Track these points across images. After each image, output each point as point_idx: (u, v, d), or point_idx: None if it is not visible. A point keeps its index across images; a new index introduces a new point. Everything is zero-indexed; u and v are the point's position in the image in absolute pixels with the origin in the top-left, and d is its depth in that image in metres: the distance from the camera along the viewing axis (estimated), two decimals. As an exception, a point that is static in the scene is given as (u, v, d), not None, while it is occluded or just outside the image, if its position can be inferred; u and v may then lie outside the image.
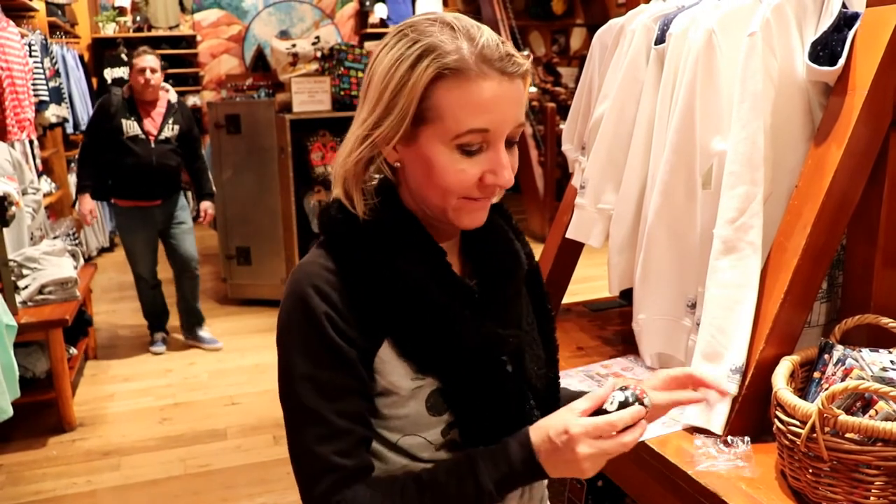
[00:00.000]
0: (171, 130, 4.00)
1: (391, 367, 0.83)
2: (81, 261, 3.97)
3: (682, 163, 1.42)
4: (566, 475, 0.82)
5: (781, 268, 1.25)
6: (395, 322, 0.83)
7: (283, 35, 7.86)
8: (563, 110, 5.90)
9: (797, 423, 1.04)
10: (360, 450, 0.82)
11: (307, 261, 0.86)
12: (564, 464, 0.80)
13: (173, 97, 4.09)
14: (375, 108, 0.81)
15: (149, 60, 3.86)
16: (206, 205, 4.18)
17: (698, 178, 1.42)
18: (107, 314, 4.97)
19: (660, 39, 1.54)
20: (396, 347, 0.83)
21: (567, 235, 1.74)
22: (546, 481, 1.00)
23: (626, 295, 1.73)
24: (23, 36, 4.62)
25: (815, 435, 0.99)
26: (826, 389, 1.01)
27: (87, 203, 4.07)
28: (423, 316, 0.83)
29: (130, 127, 3.87)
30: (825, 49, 1.27)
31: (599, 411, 0.80)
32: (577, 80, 6.75)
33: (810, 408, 1.01)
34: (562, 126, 5.75)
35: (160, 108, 4.00)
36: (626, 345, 1.74)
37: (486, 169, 0.81)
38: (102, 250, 6.66)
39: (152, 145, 3.92)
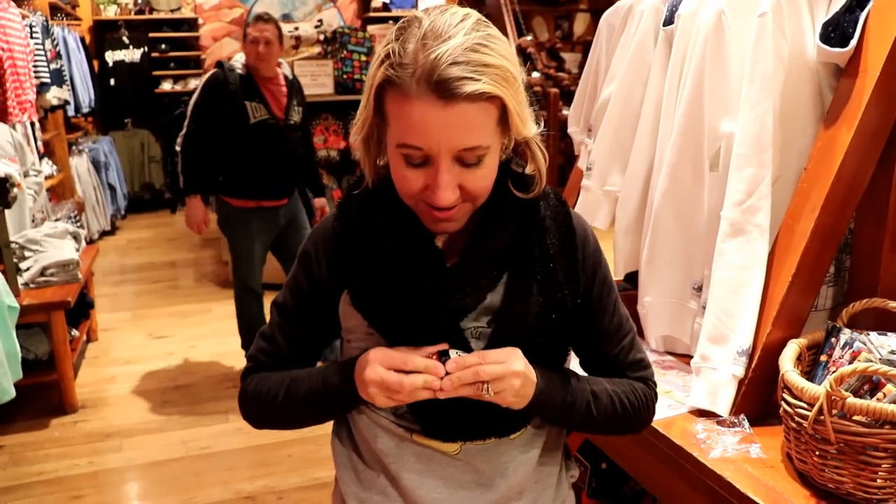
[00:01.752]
0: (297, 114, 3.26)
1: (348, 313, 0.95)
2: (83, 243, 3.96)
3: (690, 145, 1.41)
4: (363, 397, 0.90)
5: (789, 251, 1.24)
6: (355, 273, 0.93)
7: (286, 18, 7.81)
8: (566, 95, 5.85)
9: (804, 405, 1.04)
10: (279, 358, 1.01)
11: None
12: (360, 384, 0.88)
13: (288, 71, 3.31)
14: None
15: (266, 29, 3.06)
16: (322, 202, 3.55)
17: (706, 160, 1.41)
18: (108, 297, 4.97)
19: (668, 20, 1.53)
20: (351, 297, 0.94)
21: None
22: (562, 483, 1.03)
23: (632, 278, 1.72)
24: (24, 17, 4.58)
25: (822, 417, 0.99)
26: (833, 372, 1.01)
27: (199, 210, 3.28)
28: (378, 270, 0.91)
29: (256, 110, 3.10)
30: (836, 30, 1.26)
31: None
32: (580, 66, 6.67)
33: (818, 390, 1.00)
34: (565, 112, 5.72)
35: (282, 87, 3.23)
36: (632, 329, 1.72)
37: (426, 183, 0.83)
38: (104, 233, 6.66)
39: (284, 132, 3.19)
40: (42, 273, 3.35)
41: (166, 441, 3.06)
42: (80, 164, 6.06)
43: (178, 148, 3.42)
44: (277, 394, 0.97)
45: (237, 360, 3.93)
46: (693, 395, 1.31)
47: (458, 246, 0.94)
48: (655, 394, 1.04)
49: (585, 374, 1.01)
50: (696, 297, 1.46)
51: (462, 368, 0.84)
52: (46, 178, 4.58)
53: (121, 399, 3.49)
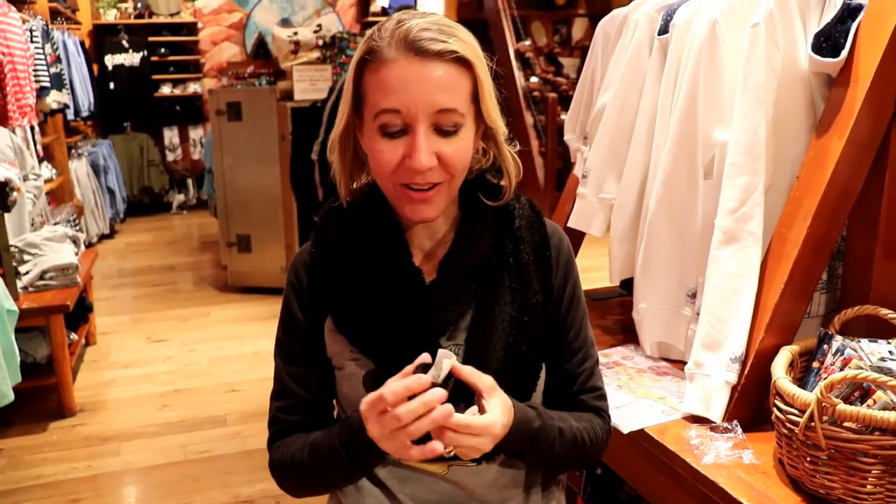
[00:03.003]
0: None
1: (332, 339, 0.95)
2: (82, 247, 3.96)
3: (685, 153, 1.42)
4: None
5: (782, 258, 1.26)
6: (337, 296, 0.93)
7: (285, 23, 7.83)
8: (565, 100, 5.87)
9: (796, 411, 1.05)
10: (300, 409, 0.97)
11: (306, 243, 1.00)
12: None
13: None
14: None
15: None
16: None
17: (700, 168, 1.42)
18: (107, 301, 4.98)
19: (663, 30, 1.54)
20: (334, 321, 0.94)
21: (568, 224, 1.74)
22: (557, 484, 1.04)
23: (627, 285, 1.73)
24: (24, 21, 4.60)
25: (813, 423, 1.00)
26: (825, 379, 1.02)
27: None
28: (358, 291, 0.92)
29: None
30: (828, 40, 1.27)
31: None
32: (578, 71, 6.70)
33: (809, 397, 1.02)
34: (563, 116, 5.72)
35: None
36: (626, 334, 1.74)
37: (403, 154, 0.84)
38: (103, 237, 6.67)
39: None
40: (41, 277, 3.35)
41: (165, 445, 3.06)
42: (79, 168, 6.08)
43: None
44: (302, 461, 0.94)
45: (236, 363, 3.94)
46: (686, 401, 1.32)
47: (436, 261, 0.96)
48: (610, 428, 1.04)
49: (549, 411, 0.97)
50: (691, 304, 1.47)
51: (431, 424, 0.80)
52: (46, 181, 4.59)
53: (119, 403, 3.49)
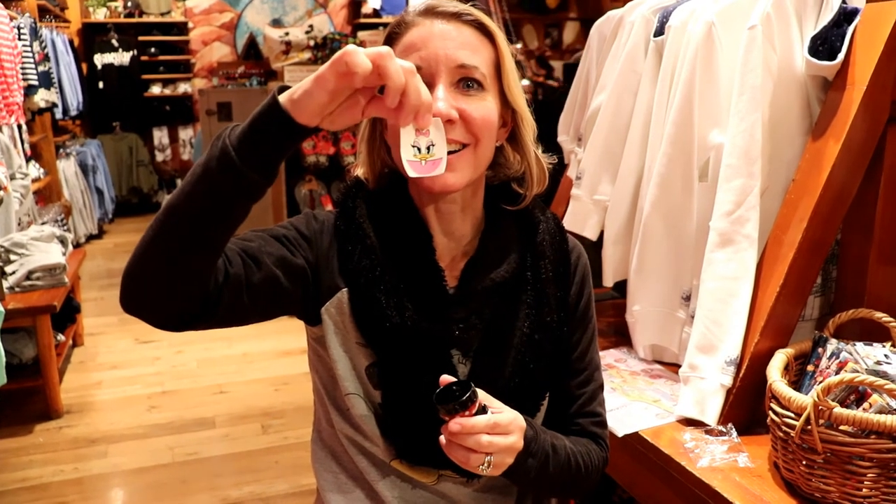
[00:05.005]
0: None
1: (335, 322, 0.91)
2: (70, 247, 3.92)
3: (680, 155, 1.42)
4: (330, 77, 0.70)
5: (777, 261, 1.25)
6: (355, 279, 0.90)
7: (276, 23, 7.80)
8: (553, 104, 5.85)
9: (792, 415, 1.04)
10: (238, 256, 0.84)
11: None
12: (331, 65, 0.71)
13: None
14: None
15: None
16: None
17: (695, 170, 1.41)
18: (95, 301, 4.93)
19: (659, 31, 1.54)
20: (350, 303, 0.90)
21: None
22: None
23: (620, 287, 1.72)
24: (12, 18, 4.55)
25: (809, 427, 1.00)
26: (820, 382, 1.01)
27: None
28: (381, 278, 0.89)
29: None
30: (825, 44, 1.27)
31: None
32: (565, 74, 6.65)
33: (805, 400, 1.01)
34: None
35: None
36: (619, 336, 1.74)
37: None
38: (91, 237, 6.62)
39: None
40: (28, 277, 3.31)
41: (152, 447, 3.03)
42: (67, 168, 6.01)
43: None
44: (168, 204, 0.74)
45: (224, 365, 3.91)
46: (681, 404, 1.31)
47: (458, 267, 0.94)
48: (607, 457, 1.02)
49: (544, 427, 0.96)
50: (685, 307, 1.47)
51: (467, 433, 0.78)
52: (33, 181, 4.54)
53: (107, 404, 3.46)
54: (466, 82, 0.86)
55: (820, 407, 0.99)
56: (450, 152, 0.83)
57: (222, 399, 3.45)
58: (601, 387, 1.03)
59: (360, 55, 0.67)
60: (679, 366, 1.38)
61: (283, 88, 0.73)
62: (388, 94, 0.70)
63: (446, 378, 0.81)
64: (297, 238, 0.92)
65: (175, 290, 0.74)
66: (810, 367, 1.19)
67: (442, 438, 0.79)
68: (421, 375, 0.87)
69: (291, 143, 0.72)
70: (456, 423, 0.77)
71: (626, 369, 1.55)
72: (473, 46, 0.86)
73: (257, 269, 0.83)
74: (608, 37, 1.75)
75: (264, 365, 3.90)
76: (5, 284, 3.19)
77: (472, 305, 0.92)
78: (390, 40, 0.89)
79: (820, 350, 1.19)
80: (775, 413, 1.09)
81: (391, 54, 0.69)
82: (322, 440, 1.01)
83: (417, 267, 0.91)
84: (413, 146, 0.75)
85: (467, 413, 0.77)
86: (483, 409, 0.80)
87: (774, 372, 1.15)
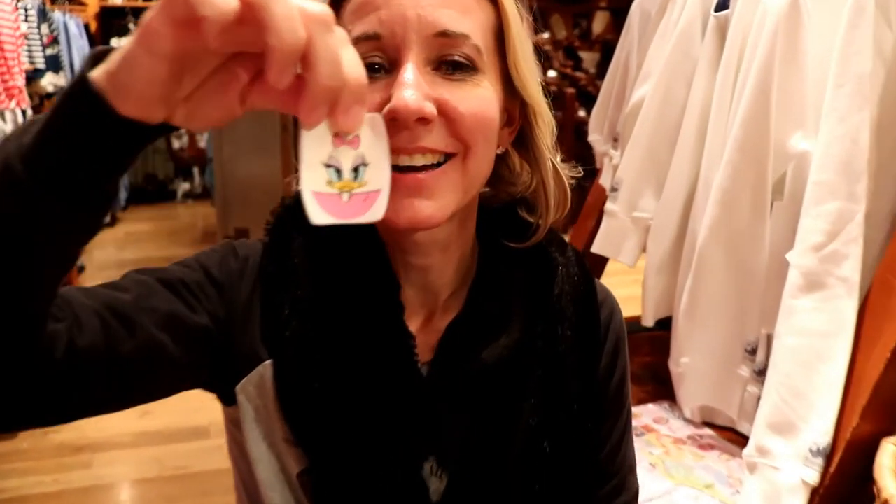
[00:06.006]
0: None
1: (255, 407, 0.64)
2: None
3: (749, 165, 1.14)
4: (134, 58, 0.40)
5: (887, 314, 0.95)
6: (284, 346, 0.63)
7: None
8: (583, 96, 5.69)
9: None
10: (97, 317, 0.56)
11: None
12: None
13: None
14: None
15: None
16: None
17: (769, 186, 1.14)
18: (97, 294, 4.77)
19: (722, 4, 1.27)
20: (275, 381, 0.63)
21: (593, 250, 1.45)
22: None
23: (662, 324, 1.42)
24: (18, 0, 4.41)
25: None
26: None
27: None
28: (315, 353, 0.62)
29: None
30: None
31: None
32: (598, 66, 6.43)
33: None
34: (581, 113, 5.44)
35: None
36: (658, 384, 1.44)
37: (385, 96, 0.55)
38: (102, 225, 6.52)
39: None
40: None
41: (139, 458, 2.88)
42: (78, 155, 5.90)
43: None
44: None
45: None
46: (745, 498, 1.01)
47: (435, 332, 0.66)
48: None
49: None
50: (750, 362, 1.18)
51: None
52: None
53: (96, 409, 3.32)
54: (451, 60, 0.57)
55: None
56: (425, 167, 0.56)
57: (219, 407, 3.24)
58: (636, 497, 0.76)
59: None
60: (736, 431, 1.17)
61: (105, 53, 0.42)
62: (271, 63, 0.38)
63: None
64: (203, 284, 0.64)
65: None
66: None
67: None
68: (376, 493, 0.62)
69: (117, 151, 0.42)
70: None
71: (669, 434, 1.26)
72: (463, 4, 0.57)
73: (129, 334, 0.57)
74: (654, 13, 1.50)
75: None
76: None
77: (454, 394, 0.64)
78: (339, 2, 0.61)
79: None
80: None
81: None
82: None
83: (375, 333, 0.63)
84: (326, 165, 0.43)
85: None
86: None
87: (885, 474, 0.85)
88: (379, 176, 0.45)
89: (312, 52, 0.38)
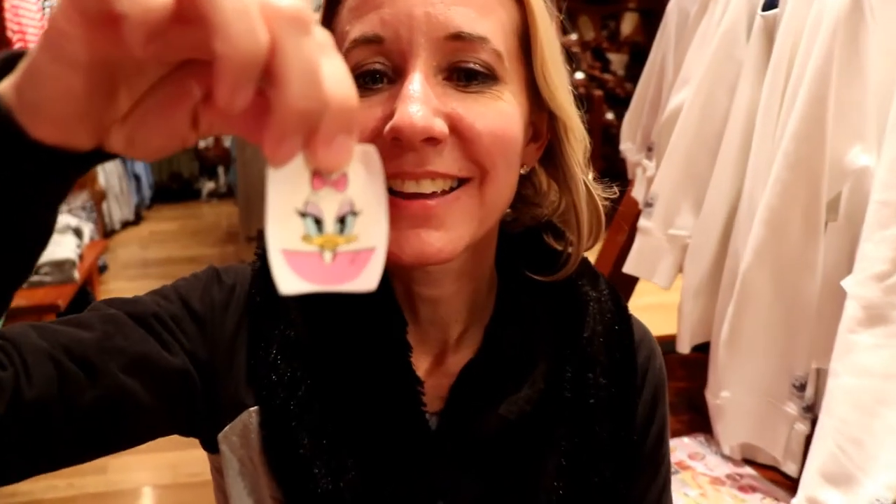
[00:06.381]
0: None
1: (251, 459, 0.57)
2: (86, 239, 3.75)
3: (802, 182, 1.04)
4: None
5: (961, 357, 0.82)
6: (271, 392, 0.55)
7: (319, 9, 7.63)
8: (611, 99, 5.59)
9: None
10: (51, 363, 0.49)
11: None
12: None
13: None
14: None
15: None
16: None
17: (823, 205, 1.03)
18: (117, 293, 4.67)
19: (770, 3, 1.17)
20: (261, 431, 0.55)
21: (625, 270, 1.36)
22: None
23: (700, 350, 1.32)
24: (45, -1, 4.43)
25: None
26: None
27: None
28: (308, 401, 0.55)
29: None
30: None
31: None
32: (627, 68, 6.33)
33: None
34: (609, 115, 5.34)
35: None
36: (694, 413, 1.34)
37: (387, 111, 0.48)
38: (126, 224, 6.58)
39: None
40: (36, 271, 3.12)
41: (155, 464, 2.85)
42: (103, 153, 5.95)
43: None
44: None
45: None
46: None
47: (446, 376, 0.58)
48: None
49: None
50: (797, 398, 1.08)
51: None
52: (60, 166, 4.45)
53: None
54: (466, 68, 0.49)
55: None
56: (435, 194, 0.49)
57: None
58: None
59: None
60: (781, 473, 1.09)
61: (18, 57, 0.33)
62: (219, 77, 0.28)
63: None
64: (181, 318, 0.57)
65: None
66: None
67: None
68: None
69: (35, 186, 0.34)
70: None
71: (706, 472, 1.17)
72: (480, 2, 0.49)
73: (90, 381, 0.50)
74: (694, 12, 1.40)
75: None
76: (12, 280, 3.07)
77: (467, 452, 0.56)
78: (330, 20, 0.53)
79: None
80: None
81: None
82: None
83: (377, 377, 0.56)
84: (302, 215, 0.33)
85: None
86: None
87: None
88: (373, 229, 0.34)
89: (280, 61, 0.28)
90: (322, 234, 0.33)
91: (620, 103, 4.53)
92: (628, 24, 8.30)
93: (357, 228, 0.34)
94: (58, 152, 0.32)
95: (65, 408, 0.48)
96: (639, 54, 6.10)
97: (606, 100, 6.06)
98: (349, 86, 0.31)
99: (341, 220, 0.34)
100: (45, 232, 0.36)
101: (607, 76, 6.79)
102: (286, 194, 0.32)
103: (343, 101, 0.30)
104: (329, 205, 0.33)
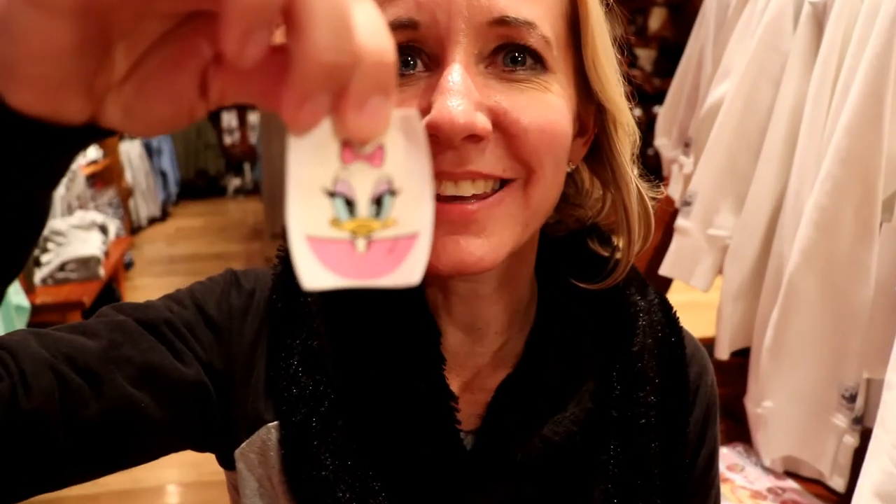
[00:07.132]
0: None
1: (269, 478, 0.53)
2: (112, 236, 3.77)
3: (855, 180, 0.99)
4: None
5: None
6: (291, 407, 0.52)
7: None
8: (640, 95, 5.55)
9: None
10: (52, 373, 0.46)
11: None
12: None
13: None
14: None
15: None
16: None
17: (879, 205, 0.98)
18: (146, 289, 4.80)
19: None
20: (281, 449, 0.52)
21: (661, 272, 1.31)
22: None
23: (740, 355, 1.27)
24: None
25: None
26: None
27: None
28: (332, 418, 0.51)
29: None
30: None
31: None
32: (655, 63, 6.23)
33: None
34: (636, 111, 5.35)
35: None
36: (731, 423, 1.29)
37: (423, 105, 0.44)
38: (153, 220, 6.64)
39: None
40: (61, 268, 3.18)
41: (178, 461, 2.82)
42: (131, 150, 5.98)
43: None
44: None
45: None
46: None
47: (483, 391, 0.54)
48: None
49: None
50: (846, 410, 1.03)
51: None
52: (90, 163, 4.45)
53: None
54: (512, 55, 0.45)
55: None
56: (475, 197, 0.45)
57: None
58: None
59: None
60: (825, 487, 1.03)
61: None
62: (226, 22, 0.23)
63: None
64: (195, 325, 0.53)
65: None
66: None
67: None
68: None
69: (18, 166, 0.29)
70: None
71: (745, 486, 1.12)
72: None
73: (94, 393, 0.46)
74: (735, 2, 1.35)
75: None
76: (38, 275, 3.07)
77: (507, 478, 0.52)
78: None
79: None
80: None
81: None
82: None
83: (407, 392, 0.52)
84: (330, 194, 0.28)
85: None
86: None
87: None
88: (415, 212, 0.29)
89: (301, 4, 0.23)
90: (354, 217, 0.28)
91: (649, 100, 4.44)
92: (656, 19, 8.22)
93: (396, 211, 0.28)
94: (44, 126, 0.27)
95: (66, 422, 0.45)
96: (667, 50, 5.99)
97: (634, 96, 6.05)
98: (386, 37, 0.26)
99: (377, 201, 0.28)
100: (34, 221, 0.31)
101: (635, 72, 6.75)
102: (311, 170, 0.27)
103: (379, 54, 0.25)
104: (362, 182, 0.28)
